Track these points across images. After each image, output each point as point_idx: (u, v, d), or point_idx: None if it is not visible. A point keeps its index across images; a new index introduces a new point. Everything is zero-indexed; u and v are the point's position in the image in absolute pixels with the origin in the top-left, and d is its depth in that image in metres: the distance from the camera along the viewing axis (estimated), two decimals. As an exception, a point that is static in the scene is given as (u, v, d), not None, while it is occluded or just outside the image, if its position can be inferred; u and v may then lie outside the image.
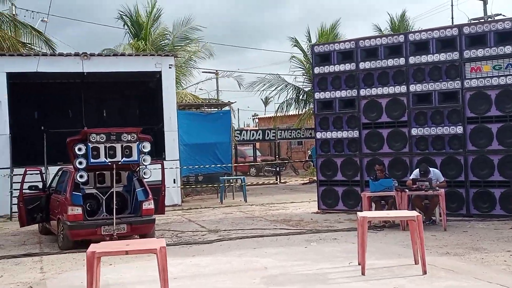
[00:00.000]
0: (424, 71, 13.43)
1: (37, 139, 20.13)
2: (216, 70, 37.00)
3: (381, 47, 13.99)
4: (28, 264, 9.54)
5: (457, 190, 12.95)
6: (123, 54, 18.75)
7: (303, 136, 27.30)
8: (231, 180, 19.83)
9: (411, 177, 12.34)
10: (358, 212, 8.80)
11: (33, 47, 21.60)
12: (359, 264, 8.19)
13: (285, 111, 24.90)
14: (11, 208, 15.91)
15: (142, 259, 9.33)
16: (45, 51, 19.56)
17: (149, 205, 11.08)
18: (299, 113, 25.50)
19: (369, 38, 14.51)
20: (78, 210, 10.57)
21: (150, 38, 23.36)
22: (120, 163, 10.76)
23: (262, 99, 53.86)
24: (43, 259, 10.00)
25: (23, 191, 11.69)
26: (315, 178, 26.80)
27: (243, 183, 18.79)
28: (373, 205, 12.46)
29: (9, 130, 16.98)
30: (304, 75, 24.86)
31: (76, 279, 8.24)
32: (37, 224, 12.84)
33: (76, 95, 20.32)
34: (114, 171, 10.83)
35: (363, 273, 7.61)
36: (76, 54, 17.16)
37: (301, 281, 7.47)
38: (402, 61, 13.72)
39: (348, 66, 14.47)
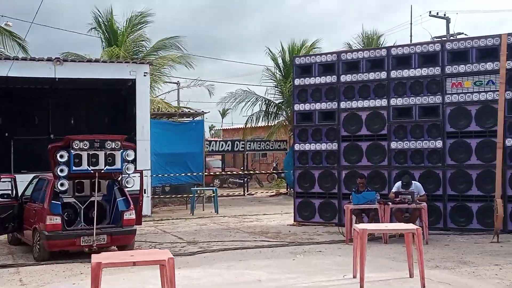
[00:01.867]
0: (405, 85, 13.52)
1: (0, 146, 19.51)
2: (178, 81, 36.57)
3: (363, 61, 14.03)
4: (5, 276, 9.09)
5: (434, 203, 13.01)
6: (97, 61, 18.26)
7: (272, 148, 27.24)
8: (201, 191, 19.52)
9: (393, 190, 12.35)
10: (356, 225, 8.70)
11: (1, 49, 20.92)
12: (354, 277, 8.11)
13: (255, 123, 24.81)
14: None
15: (125, 270, 9.02)
16: (16, 55, 18.84)
17: (130, 215, 10.75)
18: (269, 124, 25.42)
19: (351, 51, 14.60)
20: (57, 220, 10.16)
21: (125, 46, 22.89)
22: (103, 171, 10.41)
23: (219, 111, 53.58)
24: (19, 270, 9.55)
25: (-5, 199, 11.21)
26: (281, 190, 26.94)
27: (214, 194, 18.50)
28: (353, 218, 12.41)
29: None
30: (275, 87, 24.86)
31: (62, 291, 7.87)
32: (5, 235, 12.35)
33: (44, 102, 19.73)
34: (96, 180, 10.48)
35: (361, 287, 7.49)
36: (49, 59, 16.65)
37: (300, 294, 7.31)
38: (383, 74, 13.78)
39: (329, 79, 14.45)
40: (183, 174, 19.28)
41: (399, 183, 12.40)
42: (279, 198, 24.47)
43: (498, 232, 11.53)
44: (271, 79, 24.83)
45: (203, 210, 19.05)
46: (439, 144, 13.12)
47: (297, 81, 14.95)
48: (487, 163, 12.63)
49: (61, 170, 10.09)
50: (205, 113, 21.94)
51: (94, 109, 20.74)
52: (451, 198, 13.02)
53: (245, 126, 25.84)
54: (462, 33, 35.95)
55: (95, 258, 5.71)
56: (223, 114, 60.06)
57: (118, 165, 10.52)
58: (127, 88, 19.58)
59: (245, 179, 26.43)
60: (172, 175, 19.24)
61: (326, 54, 15.14)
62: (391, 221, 11.71)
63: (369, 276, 8.05)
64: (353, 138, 14.18)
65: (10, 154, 16.86)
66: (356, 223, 12.38)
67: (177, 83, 37.15)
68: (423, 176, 13.16)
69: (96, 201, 10.51)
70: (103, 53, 22.83)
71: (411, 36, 53.42)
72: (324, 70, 14.58)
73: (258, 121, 24.73)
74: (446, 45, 13.19)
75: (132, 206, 10.88)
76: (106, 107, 20.87)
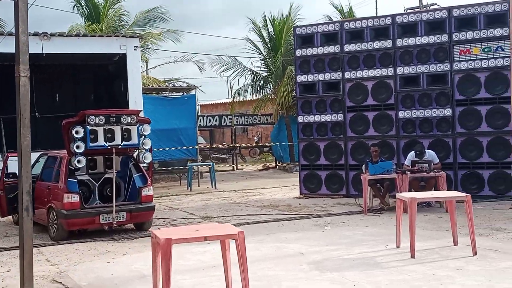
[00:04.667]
0: (411, 54, 13.38)
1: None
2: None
3: (367, 29, 13.82)
4: (28, 258, 8.68)
5: (445, 171, 12.97)
6: (85, 35, 17.60)
7: (259, 122, 26.94)
8: (197, 167, 19.16)
9: (406, 162, 12.28)
10: (400, 194, 8.49)
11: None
12: (397, 247, 7.99)
13: (243, 97, 24.46)
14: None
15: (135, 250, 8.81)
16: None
17: (148, 191, 10.42)
18: (255, 98, 25.08)
19: (355, 20, 14.40)
20: (75, 198, 9.77)
21: (106, 20, 22.15)
22: (120, 146, 10.01)
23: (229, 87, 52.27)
24: (41, 250, 9.17)
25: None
26: (269, 164, 26.75)
27: (212, 169, 18.19)
28: (369, 188, 12.30)
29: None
30: (261, 60, 24.49)
31: (100, 270, 7.55)
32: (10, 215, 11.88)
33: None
34: (114, 156, 10.10)
35: (412, 256, 7.37)
36: (36, 34, 15.91)
37: (353, 266, 7.14)
38: (389, 43, 13.61)
39: (332, 48, 14.21)
40: (177, 148, 18.84)
41: (412, 153, 12.30)
42: (268, 172, 24.29)
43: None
44: (256, 51, 24.41)
45: (199, 185, 18.74)
46: (448, 112, 13.05)
47: (298, 52, 14.67)
48: (498, 129, 12.63)
49: (78, 147, 9.67)
50: (197, 87, 21.50)
51: (79, 86, 20.10)
52: (461, 166, 13.00)
53: (233, 100, 25.44)
54: (435, 4, 35.95)
55: (161, 234, 5.41)
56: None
57: (134, 140, 10.14)
58: (114, 63, 19.01)
59: (233, 153, 26.12)
60: (165, 149, 18.79)
61: (328, 23, 14.93)
62: (408, 191, 11.64)
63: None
64: (359, 108, 14.03)
65: (3, 133, 16.16)
66: (371, 193, 12.34)
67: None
68: (432, 144, 13.10)
69: (114, 178, 10.13)
70: (83, 30, 22.03)
71: (376, 9, 53.47)
72: (327, 40, 14.33)
73: (246, 94, 24.33)
74: (453, 11, 13.04)
75: (149, 182, 10.55)
76: (92, 84, 20.27)
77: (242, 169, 25.91)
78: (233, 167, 25.61)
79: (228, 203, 14.29)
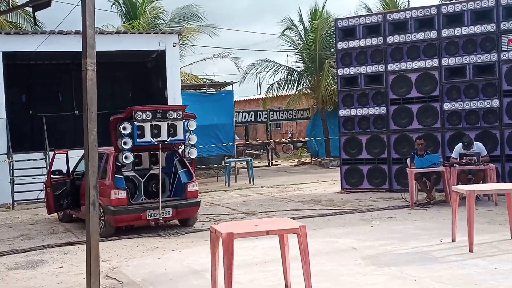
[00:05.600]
0: (457, 44, 13.09)
1: (26, 123, 19.00)
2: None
3: (411, 20, 13.55)
4: (78, 253, 8.73)
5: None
6: (125, 32, 17.70)
7: (295, 117, 26.78)
8: (235, 163, 19.06)
9: (454, 152, 12.00)
10: (460, 186, 8.30)
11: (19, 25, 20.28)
12: (453, 241, 7.79)
13: (277, 92, 24.29)
14: (13, 197, 14.88)
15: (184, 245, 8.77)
16: (44, 29, 18.21)
17: (193, 187, 10.38)
18: (288, 94, 24.91)
19: (398, 11, 14.12)
20: (122, 194, 9.77)
21: (144, 18, 22.25)
22: (166, 142, 9.97)
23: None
24: (89, 247, 9.17)
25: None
26: (304, 159, 26.57)
27: (250, 165, 18.09)
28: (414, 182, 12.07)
29: (5, 114, 15.82)
30: (296, 54, 24.28)
31: (152, 266, 7.50)
32: (55, 213, 11.96)
33: (67, 77, 19.19)
34: (160, 152, 10.07)
35: (471, 250, 7.16)
36: (77, 33, 16.04)
37: (410, 260, 6.96)
38: (433, 34, 13.32)
39: (374, 40, 13.98)
40: (216, 145, 18.81)
41: (459, 145, 12.02)
42: (304, 167, 24.10)
43: None
44: (292, 46, 24.20)
45: (236, 181, 18.67)
46: (495, 103, 12.73)
47: (340, 45, 14.48)
48: (548, 120, 12.29)
49: (125, 143, 9.63)
50: (234, 83, 21.42)
51: (118, 83, 20.24)
52: (509, 158, 12.68)
53: (266, 95, 25.29)
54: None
55: (221, 228, 5.32)
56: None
57: (180, 135, 10.08)
58: (152, 60, 19.07)
59: (268, 149, 25.99)
60: (204, 146, 18.76)
61: (370, 15, 14.69)
62: (456, 184, 11.38)
63: (467, 240, 7.69)
64: (402, 101, 13.77)
65: (43, 132, 16.32)
66: (416, 187, 12.10)
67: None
68: (479, 136, 12.77)
69: (160, 174, 10.10)
70: (122, 28, 22.15)
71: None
72: (369, 31, 14.10)
73: (280, 90, 24.14)
74: (501, 0, 12.70)
75: (195, 177, 10.51)
76: (130, 81, 20.39)
77: (277, 164, 25.78)
78: (269, 162, 25.47)
79: (268, 198, 14.19)
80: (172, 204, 10.14)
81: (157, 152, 10.49)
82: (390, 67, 13.81)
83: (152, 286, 6.53)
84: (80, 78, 17.26)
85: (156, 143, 9.86)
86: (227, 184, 17.79)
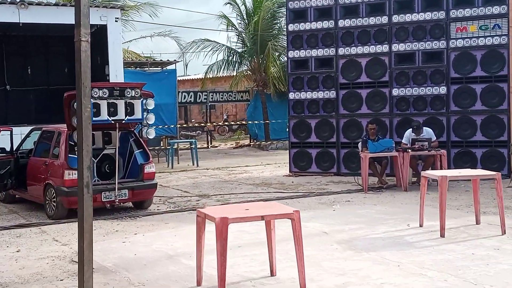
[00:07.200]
0: (407, 30, 13.26)
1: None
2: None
3: (363, 5, 13.61)
4: (33, 236, 8.27)
5: (439, 150, 12.99)
6: (64, 5, 16.82)
7: (235, 99, 26.53)
8: (177, 144, 18.69)
9: (405, 137, 12.20)
10: (432, 172, 8.48)
11: None
12: (420, 226, 7.89)
13: (217, 73, 23.93)
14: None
15: (159, 227, 8.52)
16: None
17: (150, 168, 10.04)
18: (230, 75, 24.63)
19: (350, -5, 14.06)
20: (76, 175, 9.24)
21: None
22: (123, 121, 9.55)
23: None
24: (44, 229, 8.72)
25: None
26: (242, 142, 26.47)
27: (194, 147, 17.78)
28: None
29: None
30: (237, 35, 23.99)
31: (120, 251, 7.18)
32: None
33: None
34: (117, 131, 9.65)
35: (442, 235, 7.25)
36: (12, 2, 15.12)
37: (386, 245, 6.97)
38: (384, 19, 13.45)
39: (326, 24, 13.96)
40: (158, 127, 18.35)
41: (409, 131, 12.22)
42: (243, 150, 24.00)
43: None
44: (231, 26, 23.89)
45: (178, 163, 18.30)
46: (443, 90, 13.02)
47: (291, 27, 14.37)
48: (492, 108, 12.67)
49: (80, 121, 9.14)
50: (178, 62, 20.95)
51: (52, 58, 19.30)
52: (455, 144, 13.02)
53: (205, 76, 24.91)
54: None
55: (215, 213, 5.10)
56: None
57: (138, 114, 9.67)
58: (91, 35, 18.25)
59: (207, 131, 25.68)
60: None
61: (322, -3, 14.57)
62: (407, 169, 11.60)
63: (433, 225, 7.80)
64: (352, 85, 13.86)
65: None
66: (369, 171, 12.22)
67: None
68: (427, 122, 12.99)
69: (117, 154, 9.70)
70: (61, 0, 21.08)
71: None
72: (320, 14, 14.06)
73: (220, 71, 23.82)
74: (451, -12, 12.96)
75: (151, 158, 10.16)
76: (65, 56, 19.46)
77: (216, 146, 25.55)
78: (208, 145, 25.19)
79: (218, 181, 13.99)
80: (128, 186, 9.77)
81: (110, 132, 10.08)
82: (341, 51, 13.85)
83: (127, 272, 6.22)
84: (12, 51, 16.31)
85: (113, 121, 9.43)
86: (170, 165, 17.43)
